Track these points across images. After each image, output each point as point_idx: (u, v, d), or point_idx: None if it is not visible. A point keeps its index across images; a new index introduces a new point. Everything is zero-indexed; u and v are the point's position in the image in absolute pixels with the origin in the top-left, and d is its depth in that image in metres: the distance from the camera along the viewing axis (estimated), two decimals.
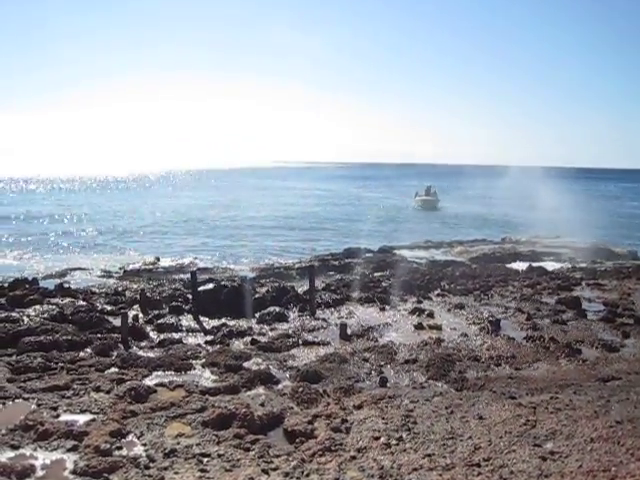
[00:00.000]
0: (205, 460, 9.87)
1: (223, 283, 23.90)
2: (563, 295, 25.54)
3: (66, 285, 26.63)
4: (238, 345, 18.10)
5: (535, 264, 35.28)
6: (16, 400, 12.63)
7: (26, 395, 12.88)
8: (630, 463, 9.43)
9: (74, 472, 9.49)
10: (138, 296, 23.58)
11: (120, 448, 10.32)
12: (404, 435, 10.70)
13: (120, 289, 26.47)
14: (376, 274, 31.80)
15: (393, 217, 71.76)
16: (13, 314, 20.23)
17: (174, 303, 22.60)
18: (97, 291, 26.04)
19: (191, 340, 18.63)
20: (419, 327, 20.17)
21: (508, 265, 35.66)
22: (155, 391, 13.46)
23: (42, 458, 9.95)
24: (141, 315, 21.29)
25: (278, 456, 10.08)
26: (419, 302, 23.82)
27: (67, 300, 23.14)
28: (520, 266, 35.29)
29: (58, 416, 11.72)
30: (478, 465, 9.49)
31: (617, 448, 9.92)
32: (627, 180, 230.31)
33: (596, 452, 9.78)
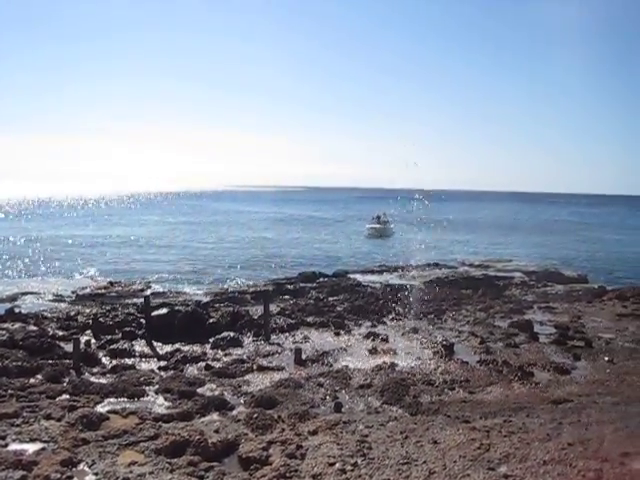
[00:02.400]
0: None
1: (177, 308, 23.80)
2: (515, 318, 26.11)
3: (17, 310, 26.18)
4: (192, 371, 17.99)
5: (487, 288, 35.75)
6: None
7: None
8: None
9: None
10: (90, 321, 23.28)
11: (71, 478, 10.14)
12: (359, 461, 10.71)
13: (72, 314, 26.05)
14: (330, 298, 31.91)
15: (347, 242, 71.77)
16: None
17: (127, 328, 22.36)
18: (49, 316, 25.62)
19: (144, 366, 18.45)
20: (373, 351, 20.34)
21: (461, 289, 36.05)
22: (107, 418, 13.28)
23: None
24: (93, 340, 21.04)
25: None
26: (373, 326, 24.02)
27: (17, 325, 22.76)
28: (473, 290, 35.67)
29: (6, 445, 11.45)
30: None
31: (569, 470, 10.09)
32: (576, 205, 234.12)
33: (549, 474, 9.94)
